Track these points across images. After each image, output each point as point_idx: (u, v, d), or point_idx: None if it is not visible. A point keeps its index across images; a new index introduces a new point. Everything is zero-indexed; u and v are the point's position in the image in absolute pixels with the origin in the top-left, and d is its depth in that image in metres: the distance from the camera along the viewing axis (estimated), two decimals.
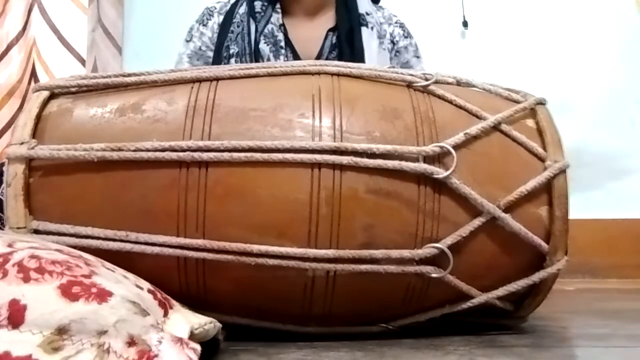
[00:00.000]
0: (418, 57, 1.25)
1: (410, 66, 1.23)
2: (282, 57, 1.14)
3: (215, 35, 1.19)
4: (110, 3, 1.64)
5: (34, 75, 1.52)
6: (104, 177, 0.64)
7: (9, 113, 1.52)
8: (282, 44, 1.15)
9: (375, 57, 1.17)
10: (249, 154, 0.62)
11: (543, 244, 0.66)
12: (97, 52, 1.58)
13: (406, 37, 1.24)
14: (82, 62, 1.51)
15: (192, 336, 0.52)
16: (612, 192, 1.67)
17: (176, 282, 0.64)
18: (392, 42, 1.22)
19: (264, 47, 1.14)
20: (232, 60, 1.15)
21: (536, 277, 0.67)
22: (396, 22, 1.24)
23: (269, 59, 1.13)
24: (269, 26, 1.15)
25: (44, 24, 1.50)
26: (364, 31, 1.18)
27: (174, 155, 0.62)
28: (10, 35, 1.53)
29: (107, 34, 1.63)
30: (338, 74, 0.70)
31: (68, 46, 1.50)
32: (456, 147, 0.64)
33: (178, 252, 0.62)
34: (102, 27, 1.61)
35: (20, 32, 1.53)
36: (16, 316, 0.46)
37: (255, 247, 0.61)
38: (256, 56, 1.14)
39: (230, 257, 0.62)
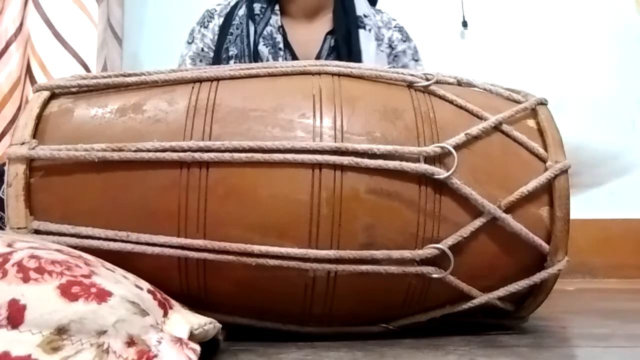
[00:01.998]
0: (417, 60, 1.24)
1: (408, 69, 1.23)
2: (280, 59, 1.15)
3: (216, 36, 1.19)
4: (116, 2, 1.63)
5: (29, 72, 1.51)
6: (104, 177, 0.64)
7: (11, 112, 1.52)
8: (281, 45, 1.15)
9: (372, 58, 1.17)
10: (249, 155, 0.62)
11: (544, 244, 0.66)
12: (107, 51, 1.58)
13: (404, 41, 1.24)
14: (78, 58, 1.49)
15: (192, 336, 0.52)
16: (612, 192, 1.67)
17: (177, 283, 0.64)
18: (390, 46, 1.23)
19: (263, 49, 1.14)
20: (232, 62, 1.15)
21: (537, 277, 0.67)
22: (395, 26, 1.24)
23: (267, 61, 1.14)
24: (268, 28, 1.16)
25: (39, 19, 1.49)
26: (362, 33, 1.18)
27: (174, 155, 0.62)
28: (9, 31, 1.52)
29: (114, 33, 1.63)
30: (339, 74, 0.70)
31: (64, 43, 1.49)
32: (457, 147, 0.64)
33: (179, 252, 0.62)
34: (110, 26, 1.61)
35: (18, 28, 1.52)
36: (16, 316, 0.46)
37: (256, 248, 0.61)
38: (255, 58, 1.14)
39: (231, 257, 0.62)
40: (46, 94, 0.69)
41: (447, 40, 1.72)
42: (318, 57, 1.17)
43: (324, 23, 1.20)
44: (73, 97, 0.70)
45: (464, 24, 1.72)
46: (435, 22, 1.70)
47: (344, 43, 1.16)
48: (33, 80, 1.49)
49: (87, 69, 1.49)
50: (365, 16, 1.20)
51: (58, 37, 1.49)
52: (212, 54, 1.20)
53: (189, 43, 1.22)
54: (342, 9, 1.19)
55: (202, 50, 1.21)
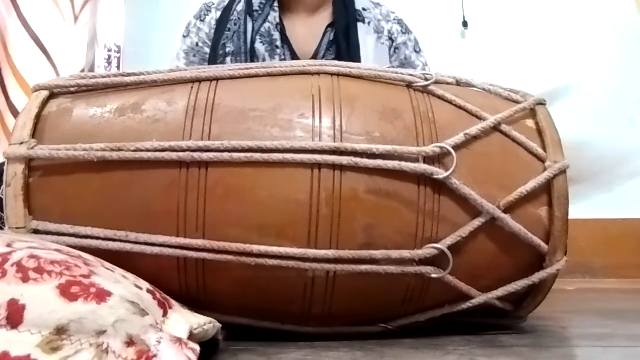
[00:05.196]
0: (418, 51, 1.24)
1: (411, 61, 1.23)
2: (277, 57, 1.14)
3: (213, 31, 1.18)
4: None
5: None
6: (103, 177, 0.64)
7: None
8: (278, 43, 1.15)
9: (372, 52, 1.17)
10: (249, 154, 0.62)
11: (543, 244, 0.66)
12: (92, 55, 1.57)
13: (404, 33, 1.23)
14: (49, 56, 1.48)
15: (192, 336, 0.52)
16: (612, 192, 1.67)
17: (176, 283, 0.64)
18: (391, 39, 1.22)
19: (260, 47, 1.14)
20: (228, 59, 1.15)
21: (536, 277, 0.67)
22: (394, 19, 1.24)
23: (264, 59, 1.13)
24: (266, 25, 1.15)
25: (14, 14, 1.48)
26: (361, 27, 1.18)
27: (174, 155, 0.62)
28: None
29: (94, 37, 1.62)
30: (338, 74, 0.70)
31: (37, 40, 1.48)
32: (456, 147, 0.64)
33: (178, 252, 0.62)
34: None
35: None
36: (15, 316, 0.46)
37: (255, 248, 0.61)
38: (251, 56, 1.13)
39: (230, 257, 0.62)
40: (45, 93, 0.69)
41: (448, 40, 1.72)
42: (317, 52, 1.17)
43: (324, 18, 1.20)
44: (72, 97, 0.70)
45: (465, 24, 1.72)
46: (435, 22, 1.70)
47: (343, 36, 1.16)
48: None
49: (56, 70, 1.48)
50: (364, 10, 1.21)
51: (26, 27, 1.48)
52: (206, 49, 1.19)
53: (185, 37, 1.21)
54: (342, 2, 1.19)
55: (197, 44, 1.19)
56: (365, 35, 1.18)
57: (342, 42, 1.16)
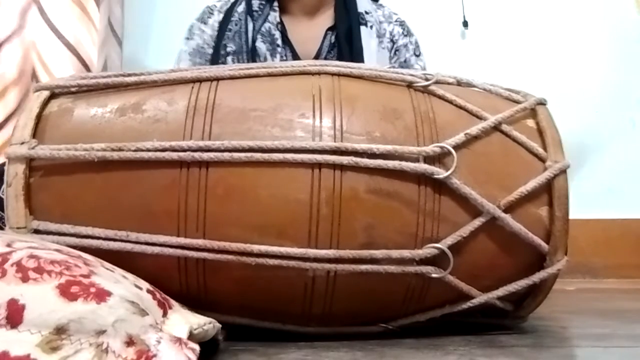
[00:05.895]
0: (418, 55, 1.24)
1: (409, 64, 1.23)
2: (278, 56, 1.14)
3: (215, 32, 1.19)
4: (116, 1, 1.63)
5: (34, 77, 1.51)
6: (104, 177, 0.64)
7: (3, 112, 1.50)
8: (279, 42, 1.15)
9: (374, 56, 1.17)
10: (249, 154, 0.62)
11: (543, 244, 0.66)
12: (107, 51, 1.58)
13: (405, 36, 1.24)
14: (81, 59, 1.49)
15: (191, 336, 0.52)
16: (612, 192, 1.67)
17: (176, 282, 0.64)
18: (392, 40, 1.23)
19: (261, 46, 1.15)
20: (229, 58, 1.15)
21: (536, 277, 0.67)
22: (396, 21, 1.24)
23: (265, 58, 1.14)
24: (266, 25, 1.16)
25: (43, 24, 1.49)
26: (363, 30, 1.18)
27: (174, 155, 0.62)
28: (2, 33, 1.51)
29: (114, 33, 1.62)
30: (338, 74, 0.70)
31: (67, 44, 1.49)
32: (456, 147, 0.64)
33: (178, 252, 0.62)
34: (110, 25, 1.60)
35: (15, 30, 1.51)
36: (15, 316, 0.46)
37: (256, 247, 0.61)
38: (253, 54, 1.14)
39: (230, 257, 0.62)
40: (46, 93, 0.69)
41: (448, 40, 1.72)
42: (318, 54, 1.18)
43: (325, 19, 1.20)
44: (73, 96, 0.70)
45: (465, 24, 1.72)
46: (435, 22, 1.70)
47: (345, 40, 1.16)
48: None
49: (88, 69, 1.49)
50: (366, 13, 1.21)
51: (61, 39, 1.49)
52: (210, 51, 1.19)
53: (188, 39, 1.22)
54: (344, 5, 1.19)
55: (201, 46, 1.20)
56: (368, 39, 1.18)
57: (344, 46, 1.16)
